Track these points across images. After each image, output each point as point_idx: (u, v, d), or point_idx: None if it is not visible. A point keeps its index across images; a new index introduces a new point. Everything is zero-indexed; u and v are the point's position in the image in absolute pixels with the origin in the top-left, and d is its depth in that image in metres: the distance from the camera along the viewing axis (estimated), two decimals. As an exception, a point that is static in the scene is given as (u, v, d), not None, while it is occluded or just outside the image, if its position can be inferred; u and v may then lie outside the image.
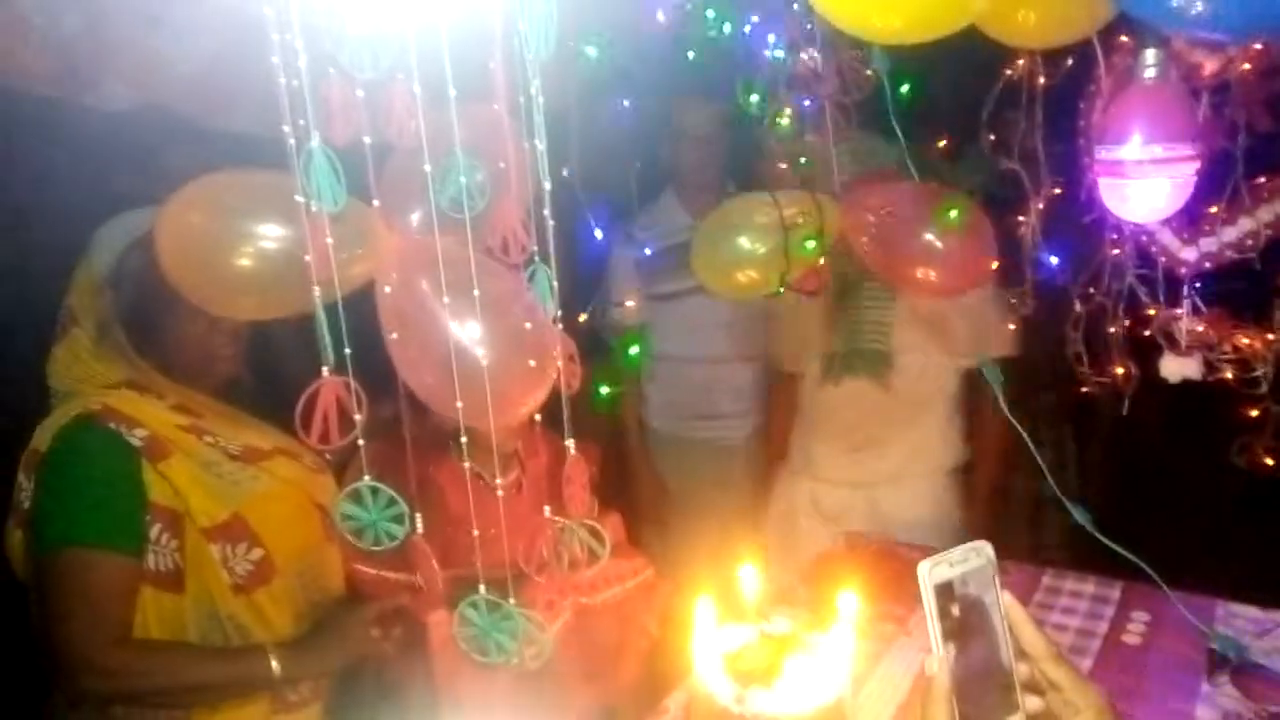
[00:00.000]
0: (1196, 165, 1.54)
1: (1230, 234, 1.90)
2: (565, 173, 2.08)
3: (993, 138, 1.93)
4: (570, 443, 1.16)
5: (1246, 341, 1.84)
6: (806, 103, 1.89)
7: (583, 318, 2.62)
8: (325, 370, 1.04)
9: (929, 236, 1.85)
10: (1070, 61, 1.79)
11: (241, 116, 2.29)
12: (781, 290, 1.90)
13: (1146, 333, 1.93)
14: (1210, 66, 1.76)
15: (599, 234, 2.06)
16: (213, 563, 1.56)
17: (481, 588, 1.14)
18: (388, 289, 1.20)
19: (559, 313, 1.18)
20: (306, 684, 1.67)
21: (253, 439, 1.69)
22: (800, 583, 2.06)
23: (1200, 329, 1.87)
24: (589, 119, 2.76)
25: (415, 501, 1.11)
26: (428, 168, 1.03)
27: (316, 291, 1.02)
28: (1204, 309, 1.89)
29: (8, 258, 2.19)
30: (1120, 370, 1.97)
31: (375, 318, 1.21)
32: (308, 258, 1.02)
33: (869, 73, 1.83)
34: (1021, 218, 1.96)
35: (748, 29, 1.88)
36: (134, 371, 1.60)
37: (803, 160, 1.93)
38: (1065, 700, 0.95)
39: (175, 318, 1.57)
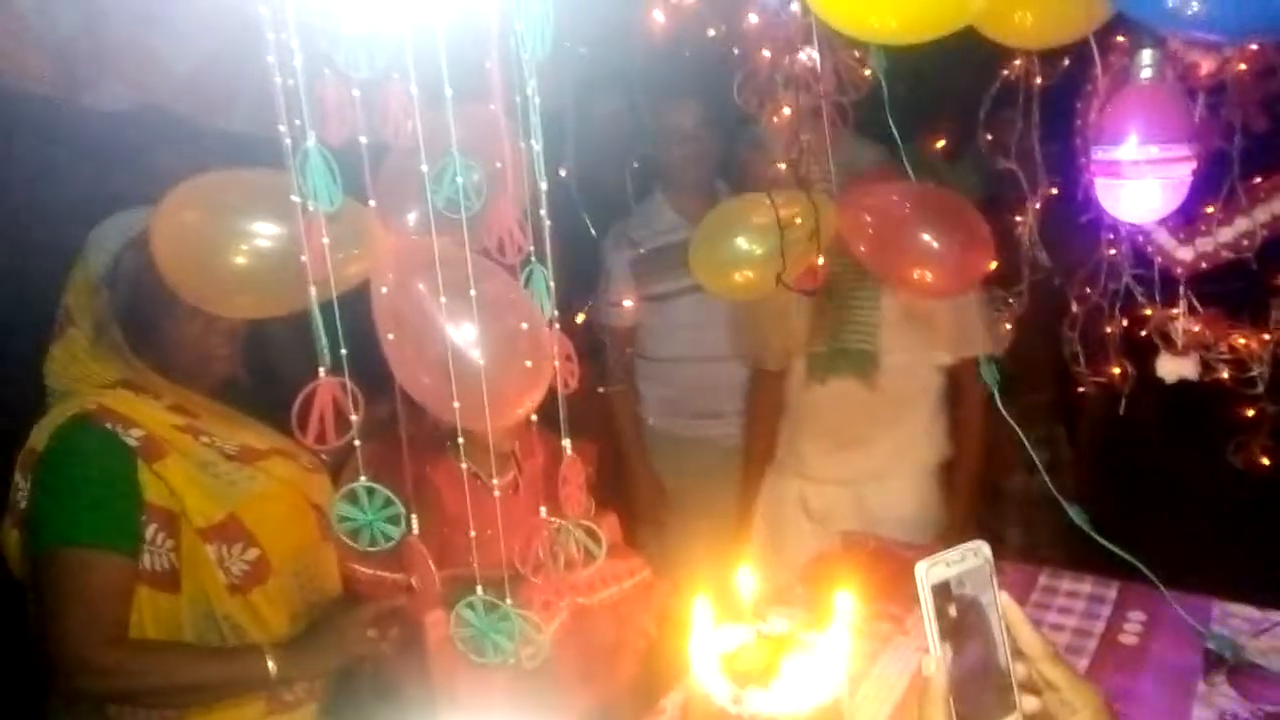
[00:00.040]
0: (1192, 166, 1.54)
1: (1226, 234, 1.90)
2: (562, 173, 2.08)
3: (990, 138, 1.93)
4: (567, 443, 1.16)
5: (1243, 341, 1.84)
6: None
7: (580, 318, 2.63)
8: (322, 370, 1.04)
9: (926, 237, 1.84)
10: (1067, 62, 1.79)
11: (238, 116, 2.30)
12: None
13: (1143, 333, 1.93)
14: (1206, 67, 1.76)
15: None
16: (208, 563, 1.56)
17: (478, 588, 1.14)
18: (384, 290, 1.19)
19: (556, 313, 1.18)
20: (302, 684, 1.66)
21: (249, 439, 1.69)
22: (797, 582, 2.06)
23: (1196, 329, 1.88)
24: (585, 119, 2.76)
25: (412, 502, 1.11)
26: (424, 168, 1.03)
27: (313, 291, 1.02)
28: (1200, 309, 1.90)
29: (6, 257, 2.19)
30: (1117, 370, 1.97)
31: (372, 318, 1.20)
32: (304, 258, 1.02)
33: (866, 73, 1.83)
34: (1019, 218, 1.97)
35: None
36: (130, 371, 1.60)
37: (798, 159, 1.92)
38: (1062, 700, 0.95)
39: (171, 317, 1.57)
